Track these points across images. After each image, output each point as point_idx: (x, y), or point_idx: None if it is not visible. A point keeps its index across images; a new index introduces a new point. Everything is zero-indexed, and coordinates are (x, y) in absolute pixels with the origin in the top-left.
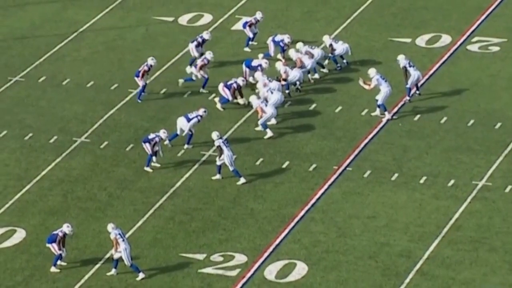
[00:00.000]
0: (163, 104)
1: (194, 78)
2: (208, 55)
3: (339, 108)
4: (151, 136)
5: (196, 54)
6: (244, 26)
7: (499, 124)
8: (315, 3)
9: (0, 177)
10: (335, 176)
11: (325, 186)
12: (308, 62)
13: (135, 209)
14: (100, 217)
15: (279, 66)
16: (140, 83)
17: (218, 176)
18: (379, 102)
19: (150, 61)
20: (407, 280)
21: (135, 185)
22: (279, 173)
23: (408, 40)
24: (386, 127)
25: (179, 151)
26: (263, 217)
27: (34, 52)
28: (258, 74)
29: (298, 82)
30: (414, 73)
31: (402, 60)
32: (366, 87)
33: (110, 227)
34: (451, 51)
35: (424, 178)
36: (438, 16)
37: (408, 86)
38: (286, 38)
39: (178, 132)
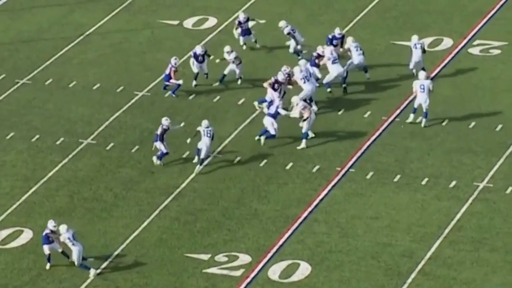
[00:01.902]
0: (168, 106)
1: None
2: (173, 60)
3: (342, 110)
4: (159, 131)
5: (196, 69)
6: (244, 33)
7: (500, 126)
8: (318, 7)
9: (7, 178)
10: (338, 177)
11: (328, 187)
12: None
13: (141, 210)
14: (106, 218)
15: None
16: (177, 82)
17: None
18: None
19: (173, 60)
20: (409, 280)
21: (141, 186)
22: (282, 174)
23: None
24: (388, 129)
25: (184, 152)
26: (267, 218)
27: (41, 55)
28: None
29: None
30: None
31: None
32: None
33: (63, 228)
34: (453, 54)
35: (426, 179)
36: (440, 19)
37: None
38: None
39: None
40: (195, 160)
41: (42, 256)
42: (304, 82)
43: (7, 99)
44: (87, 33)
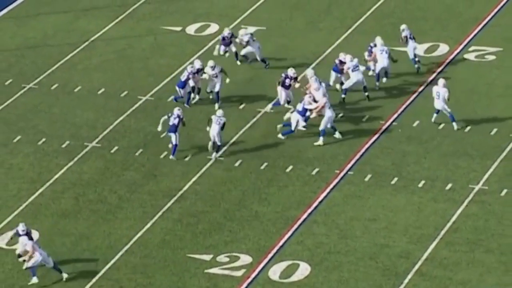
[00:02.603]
0: (171, 110)
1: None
2: (197, 63)
3: (341, 114)
4: (176, 121)
5: (194, 83)
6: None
7: (495, 130)
8: (317, 14)
9: (14, 180)
10: (336, 180)
11: (327, 190)
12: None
13: (144, 212)
14: (111, 219)
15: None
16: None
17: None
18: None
19: (190, 68)
20: (406, 281)
21: (144, 188)
22: (282, 176)
23: (407, 49)
24: (386, 133)
25: (186, 156)
26: (267, 219)
27: (47, 60)
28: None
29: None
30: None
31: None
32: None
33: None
34: (449, 59)
35: (423, 182)
36: (436, 26)
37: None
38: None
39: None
40: (209, 146)
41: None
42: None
43: (14, 103)
44: (92, 39)
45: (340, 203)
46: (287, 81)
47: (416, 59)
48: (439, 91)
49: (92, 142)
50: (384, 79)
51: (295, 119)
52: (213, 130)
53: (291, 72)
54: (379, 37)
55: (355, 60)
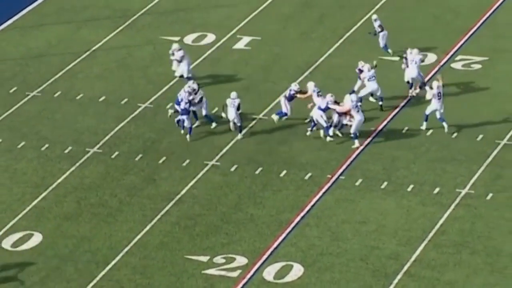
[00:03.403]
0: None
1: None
2: (294, 86)
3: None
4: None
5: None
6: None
7: (480, 136)
8: (310, 24)
9: (18, 184)
10: (328, 184)
11: (320, 194)
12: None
13: (144, 215)
14: (111, 222)
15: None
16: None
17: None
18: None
19: (294, 86)
20: (396, 281)
21: (144, 192)
22: (277, 181)
23: (397, 58)
24: (376, 139)
25: (184, 161)
26: (262, 222)
27: (50, 69)
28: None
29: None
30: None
31: None
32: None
33: None
34: (437, 68)
35: (411, 186)
36: (424, 36)
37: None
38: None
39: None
40: (231, 127)
41: (51, 258)
42: (318, 97)
43: (18, 110)
44: (93, 49)
45: (332, 206)
46: (291, 93)
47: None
48: (440, 91)
49: (93, 148)
50: (417, 90)
51: (318, 115)
52: (230, 114)
53: (295, 87)
54: (416, 50)
55: (373, 70)
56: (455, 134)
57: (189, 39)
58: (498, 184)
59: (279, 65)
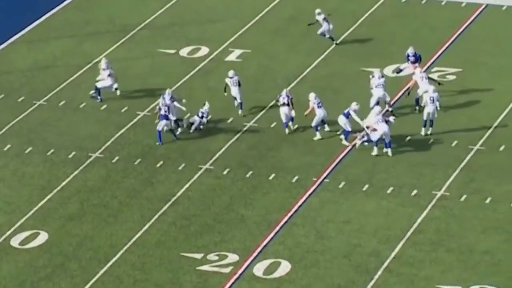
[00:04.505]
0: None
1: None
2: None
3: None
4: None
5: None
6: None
7: (455, 142)
8: (297, 38)
9: (26, 187)
10: (314, 187)
11: (306, 195)
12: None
13: (142, 215)
14: (112, 222)
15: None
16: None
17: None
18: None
19: (354, 106)
20: (376, 276)
21: (142, 194)
22: (266, 184)
23: (377, 69)
24: (358, 144)
25: (179, 165)
26: (252, 222)
27: (55, 80)
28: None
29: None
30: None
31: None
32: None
33: None
34: (409, 84)
35: (391, 188)
36: (403, 49)
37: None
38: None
39: None
40: (236, 105)
41: (56, 255)
42: (318, 108)
43: (25, 118)
44: (95, 61)
45: (317, 207)
46: (287, 100)
47: (327, 36)
48: (433, 96)
49: (95, 153)
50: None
51: (342, 122)
52: (234, 92)
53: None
54: (419, 68)
55: (382, 79)
56: (431, 140)
57: (184, 51)
58: (471, 187)
59: (268, 76)
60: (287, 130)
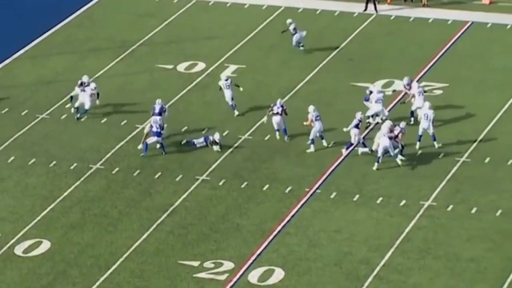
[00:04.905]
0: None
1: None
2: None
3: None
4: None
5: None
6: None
7: (442, 154)
8: (289, 54)
9: (29, 197)
10: (306, 197)
11: (298, 205)
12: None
13: (141, 224)
14: (112, 231)
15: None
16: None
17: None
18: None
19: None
20: (366, 284)
21: (141, 204)
22: (260, 194)
23: (368, 84)
24: (348, 157)
25: (177, 176)
26: (247, 231)
27: (57, 94)
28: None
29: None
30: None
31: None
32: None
33: None
34: (403, 93)
35: (380, 199)
36: (392, 65)
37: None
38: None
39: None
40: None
41: (58, 262)
42: (316, 120)
43: (29, 131)
44: (96, 76)
45: (309, 217)
46: (280, 110)
47: (301, 44)
48: (427, 112)
49: (96, 164)
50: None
51: (353, 133)
52: (227, 95)
53: (281, 103)
54: (416, 82)
55: (381, 94)
56: (419, 152)
57: (181, 67)
58: (458, 197)
59: (261, 90)
60: (278, 136)
